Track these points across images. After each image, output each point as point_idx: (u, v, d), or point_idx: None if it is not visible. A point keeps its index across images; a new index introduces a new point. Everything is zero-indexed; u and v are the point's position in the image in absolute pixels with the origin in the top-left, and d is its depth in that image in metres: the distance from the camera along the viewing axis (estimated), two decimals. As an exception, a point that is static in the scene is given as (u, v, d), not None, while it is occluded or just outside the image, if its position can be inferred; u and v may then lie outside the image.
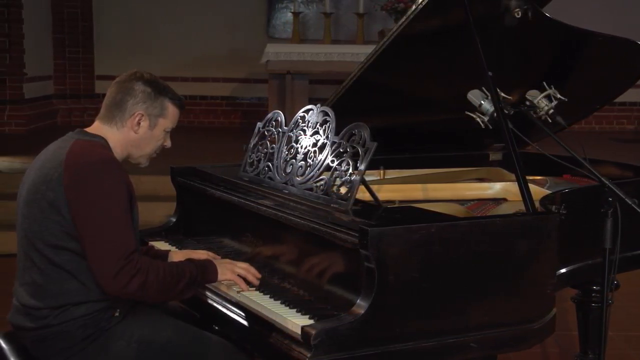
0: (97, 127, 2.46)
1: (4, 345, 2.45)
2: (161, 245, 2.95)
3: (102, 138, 2.42)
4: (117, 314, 2.35)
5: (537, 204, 2.46)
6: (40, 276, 2.31)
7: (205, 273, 2.42)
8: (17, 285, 2.40)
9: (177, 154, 3.25)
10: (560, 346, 4.00)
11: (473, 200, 3.01)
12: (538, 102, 2.88)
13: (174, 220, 3.14)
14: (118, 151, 2.43)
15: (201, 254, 2.66)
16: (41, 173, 2.33)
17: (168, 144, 2.55)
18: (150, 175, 5.73)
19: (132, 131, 2.44)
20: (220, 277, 2.45)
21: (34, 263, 2.32)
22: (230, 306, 2.47)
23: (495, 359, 2.41)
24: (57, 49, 9.44)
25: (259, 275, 2.47)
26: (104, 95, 2.53)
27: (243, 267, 2.48)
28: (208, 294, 2.57)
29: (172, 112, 2.50)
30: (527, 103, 2.92)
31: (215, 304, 2.53)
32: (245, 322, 2.38)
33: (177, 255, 2.68)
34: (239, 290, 2.43)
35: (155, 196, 5.80)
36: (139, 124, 2.43)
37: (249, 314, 2.36)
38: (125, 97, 2.42)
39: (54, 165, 2.31)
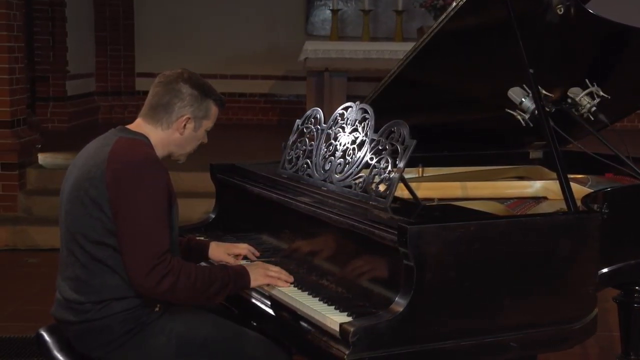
0: (140, 125, 2.48)
1: (47, 338, 2.49)
2: (201, 241, 2.97)
3: (145, 136, 2.44)
4: (157, 310, 2.37)
5: (578, 203, 2.43)
6: (82, 271, 2.34)
7: (238, 280, 2.42)
8: (60, 280, 2.44)
9: (215, 151, 3.28)
10: (601, 347, 3.94)
11: (513, 198, 2.98)
12: (580, 100, 2.85)
13: (213, 216, 3.16)
14: (159, 149, 2.45)
15: (242, 248, 2.67)
16: (84, 170, 2.36)
17: (205, 140, 2.57)
18: (190, 172, 5.79)
19: (177, 133, 2.46)
20: (252, 283, 2.45)
21: (77, 258, 2.35)
22: (269, 302, 2.47)
23: (535, 359, 2.38)
24: (99, 46, 9.56)
25: (291, 280, 2.47)
26: (144, 92, 2.56)
27: (275, 270, 2.48)
28: (246, 290, 2.58)
29: (214, 112, 2.52)
30: (569, 101, 2.89)
31: (253, 300, 2.54)
32: (283, 319, 2.38)
33: (218, 248, 2.70)
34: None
35: (194, 193, 5.85)
36: (184, 126, 2.45)
37: (287, 310, 2.37)
38: (173, 100, 2.43)
39: (97, 162, 2.34)
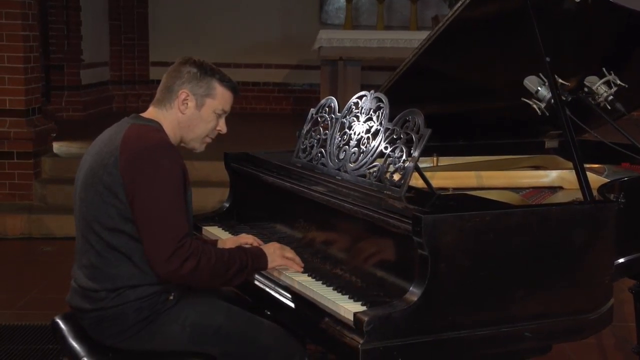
0: (152, 112, 2.49)
1: (62, 325, 2.51)
2: (214, 230, 2.98)
3: (157, 122, 2.44)
4: (171, 298, 2.38)
5: (594, 193, 2.42)
6: (97, 259, 2.35)
7: (255, 261, 2.44)
8: (75, 268, 2.45)
9: (229, 140, 3.27)
10: (616, 337, 3.93)
11: (528, 188, 2.97)
12: (597, 89, 2.83)
13: (227, 205, 3.17)
14: (171, 135, 2.45)
15: (248, 239, 2.67)
16: (98, 157, 2.37)
17: (223, 129, 2.54)
18: (203, 161, 5.81)
19: (179, 112, 2.45)
20: (270, 264, 2.47)
21: (92, 246, 2.36)
22: (282, 291, 2.48)
23: (550, 349, 2.37)
24: (113, 35, 9.59)
25: (303, 265, 2.48)
26: (158, 81, 2.56)
27: (291, 252, 2.50)
28: (260, 278, 2.59)
29: (221, 92, 2.48)
30: (586, 89, 2.87)
31: (267, 289, 2.54)
32: (297, 308, 2.39)
33: (225, 243, 2.69)
34: (289, 273, 2.44)
35: (208, 182, 5.87)
36: (185, 103, 2.44)
37: (301, 299, 2.37)
38: (174, 80, 2.46)
39: (111, 149, 2.35)
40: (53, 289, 4.63)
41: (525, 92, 2.74)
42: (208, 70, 2.47)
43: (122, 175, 2.29)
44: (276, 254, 2.48)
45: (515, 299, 2.20)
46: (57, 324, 2.52)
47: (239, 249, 2.47)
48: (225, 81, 2.49)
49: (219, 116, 2.51)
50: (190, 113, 2.46)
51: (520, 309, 2.20)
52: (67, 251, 3.30)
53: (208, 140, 2.55)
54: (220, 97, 2.49)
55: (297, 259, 2.50)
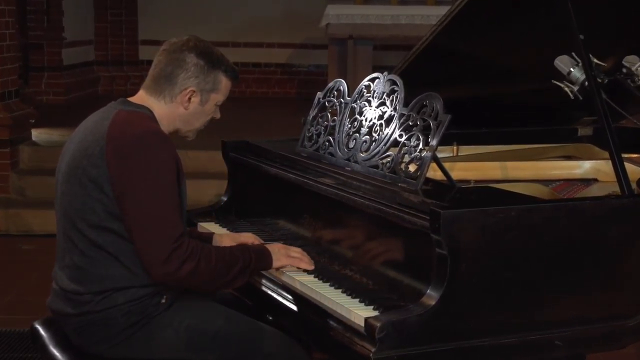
0: (142, 97, 2.49)
1: (42, 332, 2.52)
2: (211, 227, 2.99)
3: (148, 109, 2.45)
4: (164, 301, 2.38)
5: (633, 185, 2.41)
6: (81, 258, 2.36)
7: (259, 260, 2.45)
8: (56, 268, 2.46)
9: (228, 127, 3.29)
10: (657, 347, 3.92)
11: (559, 180, 2.97)
12: (637, 70, 2.81)
13: (225, 199, 3.17)
14: (164, 124, 2.46)
15: (247, 237, 2.67)
16: (82, 146, 2.38)
17: (218, 115, 2.57)
18: (199, 150, 5.82)
19: (181, 107, 2.46)
20: (275, 264, 2.48)
21: (75, 244, 2.37)
22: (286, 294, 2.49)
23: (584, 359, 2.38)
24: (99, 11, 9.58)
25: (313, 264, 2.49)
26: (148, 62, 2.57)
27: (297, 251, 2.51)
28: (262, 280, 2.60)
29: (225, 85, 2.51)
30: (624, 70, 2.85)
31: (269, 292, 2.55)
32: (302, 312, 2.40)
33: (222, 239, 2.70)
34: (292, 274, 2.45)
35: (204, 173, 5.87)
36: (189, 100, 2.45)
37: (307, 303, 2.38)
38: (176, 71, 2.44)
39: (96, 138, 2.35)
40: (32, 291, 4.65)
41: (556, 73, 2.73)
42: (215, 62, 2.47)
43: (108, 167, 2.30)
44: (281, 252, 2.50)
45: (544, 303, 2.20)
46: (37, 330, 2.53)
47: (241, 246, 2.48)
48: (229, 71, 2.51)
49: (217, 106, 2.54)
50: (193, 109, 2.47)
51: (550, 314, 2.21)
52: (47, 250, 3.31)
53: (202, 128, 2.58)
54: (224, 89, 2.52)
55: (307, 257, 2.50)
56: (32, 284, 4.80)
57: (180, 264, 2.26)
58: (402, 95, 2.55)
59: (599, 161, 3.10)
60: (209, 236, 2.73)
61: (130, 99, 2.49)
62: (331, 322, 2.24)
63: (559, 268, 2.21)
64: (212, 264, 2.32)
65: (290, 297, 2.46)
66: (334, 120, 2.78)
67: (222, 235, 2.74)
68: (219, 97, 2.51)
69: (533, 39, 3.00)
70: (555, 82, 2.74)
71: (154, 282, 2.32)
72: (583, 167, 3.11)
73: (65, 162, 2.43)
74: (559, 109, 3.19)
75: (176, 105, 2.46)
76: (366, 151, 2.58)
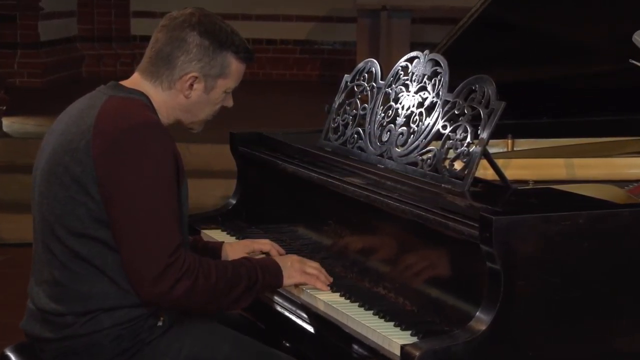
0: (137, 81, 2.50)
1: (15, 359, 2.54)
2: (217, 235, 3.01)
3: (144, 95, 2.46)
4: (160, 324, 2.40)
5: None
6: (61, 273, 2.38)
7: (267, 278, 2.45)
8: (32, 284, 2.48)
9: (237, 115, 3.29)
10: None
11: (637, 181, 2.96)
12: None
13: (233, 202, 3.19)
14: (163, 114, 2.47)
15: (264, 244, 2.68)
16: (64, 140, 2.39)
17: (230, 103, 2.57)
18: (202, 144, 5.85)
19: (181, 95, 2.47)
20: (285, 281, 2.48)
21: (54, 255, 2.39)
22: (306, 315, 2.50)
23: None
24: (83, -24, 9.66)
25: (330, 280, 2.50)
26: (141, 38, 2.60)
27: (315, 267, 2.52)
28: (277, 298, 2.61)
29: (235, 69, 2.50)
30: None
31: (286, 312, 2.56)
32: (324, 337, 2.40)
33: (234, 248, 2.72)
34: (314, 292, 2.46)
35: (209, 171, 5.91)
36: (191, 87, 2.46)
37: (331, 326, 2.38)
38: (176, 52, 2.44)
39: (81, 129, 2.37)
40: (3, 311, 4.68)
41: (635, 51, 2.72)
42: (223, 41, 2.46)
43: (95, 165, 2.31)
44: (294, 267, 2.50)
45: (619, 329, 2.20)
46: (8, 358, 2.55)
47: (245, 260, 2.49)
48: (241, 52, 2.49)
49: (228, 94, 2.54)
50: (196, 97, 2.48)
51: (625, 342, 2.20)
52: (21, 262, 3.33)
53: (210, 119, 2.58)
54: (235, 74, 2.51)
55: (324, 273, 2.51)
56: (1, 302, 4.84)
57: (174, 283, 2.27)
58: (447, 78, 2.55)
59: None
60: (217, 246, 2.74)
61: (123, 82, 2.50)
62: (360, 350, 2.25)
63: (637, 287, 2.20)
64: (212, 281, 2.32)
65: (310, 319, 2.47)
66: (364, 109, 2.79)
67: (233, 244, 2.75)
68: (228, 83, 2.51)
69: (606, 9, 3.00)
70: (632, 61, 2.73)
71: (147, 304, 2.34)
72: (666, 166, 3.10)
73: (44, 159, 2.45)
74: (636, 94, 3.18)
75: (175, 92, 2.47)
76: (403, 145, 2.59)
